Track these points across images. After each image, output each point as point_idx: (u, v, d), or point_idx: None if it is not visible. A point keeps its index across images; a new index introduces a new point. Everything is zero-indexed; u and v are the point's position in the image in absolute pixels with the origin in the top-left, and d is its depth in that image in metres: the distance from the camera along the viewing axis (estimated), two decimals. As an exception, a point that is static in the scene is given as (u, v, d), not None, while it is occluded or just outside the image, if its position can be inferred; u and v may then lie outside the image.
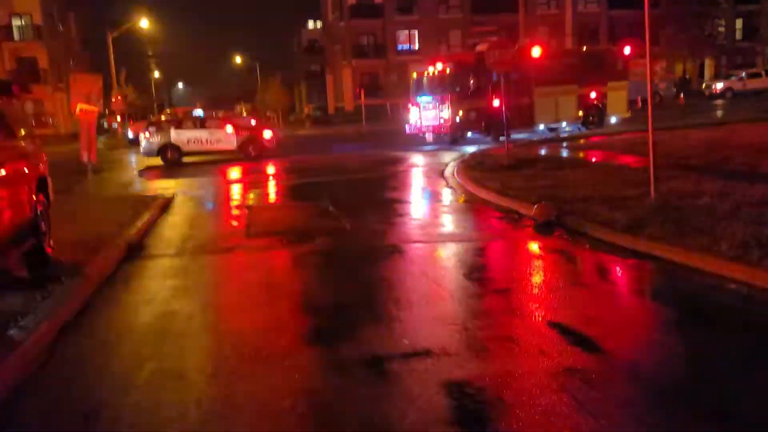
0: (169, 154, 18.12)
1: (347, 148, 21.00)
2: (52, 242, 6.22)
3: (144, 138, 18.72)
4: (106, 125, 49.55)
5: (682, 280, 4.90)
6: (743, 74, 37.66)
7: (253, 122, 22.91)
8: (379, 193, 10.41)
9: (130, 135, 28.92)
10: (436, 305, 4.60)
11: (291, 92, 52.98)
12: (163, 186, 13.12)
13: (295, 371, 3.54)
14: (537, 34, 40.68)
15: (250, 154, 18.35)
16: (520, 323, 4.16)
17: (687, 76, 43.31)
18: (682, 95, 35.87)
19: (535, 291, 5.02)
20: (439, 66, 18.90)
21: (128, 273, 5.96)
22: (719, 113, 25.18)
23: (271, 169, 15.86)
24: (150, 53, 59.76)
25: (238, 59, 63.83)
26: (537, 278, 5.42)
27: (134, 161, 20.87)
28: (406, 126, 20.01)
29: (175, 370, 3.65)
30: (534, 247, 6.41)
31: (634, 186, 7.87)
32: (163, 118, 24.23)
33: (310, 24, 64.94)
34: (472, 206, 8.79)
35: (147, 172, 16.96)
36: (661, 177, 7.47)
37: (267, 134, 19.11)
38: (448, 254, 6.23)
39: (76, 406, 3.30)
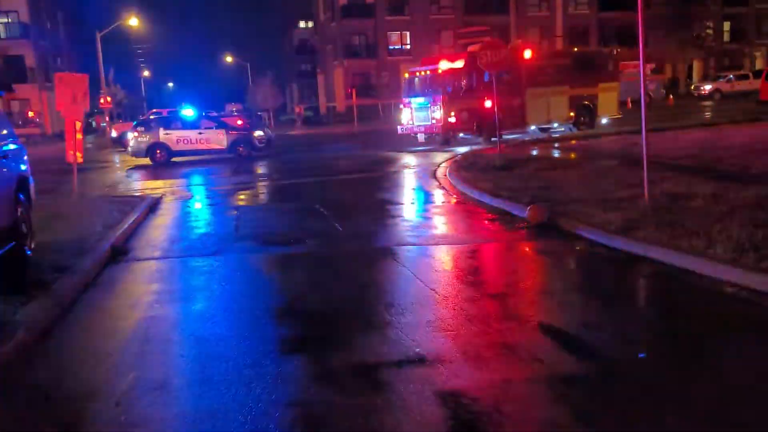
0: (157, 154, 17.89)
1: (338, 148, 20.88)
2: (33, 245, 6.04)
3: (132, 137, 18.47)
4: (94, 125, 49.10)
5: (677, 283, 4.83)
6: (731, 76, 38.00)
7: (239, 122, 22.65)
8: (371, 194, 10.30)
9: (113, 135, 28.49)
10: (430, 310, 4.49)
11: (282, 92, 52.68)
12: (151, 186, 12.92)
13: (281, 381, 3.41)
14: (527, 35, 40.82)
15: (240, 153, 18.17)
16: (515, 329, 4.06)
17: (676, 78, 43.66)
18: (671, 96, 36.14)
19: (530, 295, 4.93)
20: (431, 66, 18.83)
21: (112, 277, 5.80)
22: (708, 114, 25.34)
23: (261, 170, 15.70)
24: (139, 51, 59.27)
25: (228, 59, 63.43)
26: (531, 282, 5.34)
27: (123, 161, 20.60)
28: (398, 126, 19.90)
29: (157, 380, 3.51)
30: (528, 249, 6.32)
31: (627, 187, 7.82)
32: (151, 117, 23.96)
33: (302, 24, 64.69)
34: (464, 207, 8.70)
35: (135, 172, 16.73)
36: (653, 178, 7.42)
37: (258, 134, 18.94)
38: (442, 257, 6.13)
39: (52, 418, 3.16)
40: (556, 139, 18.07)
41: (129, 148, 18.78)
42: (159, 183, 13.60)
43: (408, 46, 44.21)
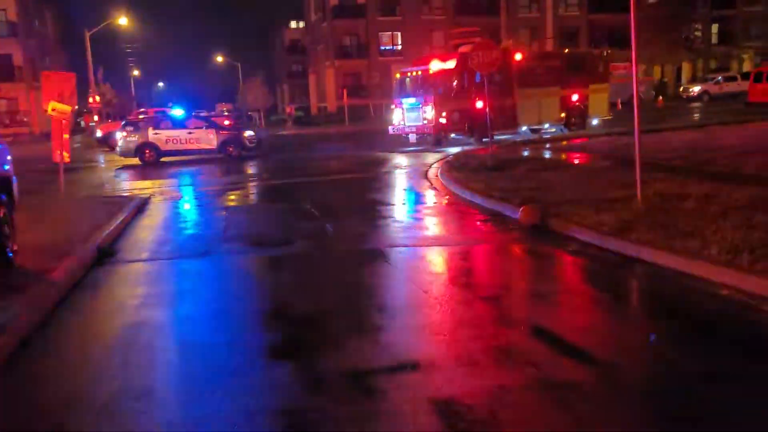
0: (146, 154, 17.68)
1: (329, 148, 20.76)
2: (16, 246, 5.89)
3: (121, 137, 18.24)
4: (82, 124, 48.58)
5: (671, 284, 4.79)
6: (720, 78, 38.30)
7: (226, 122, 22.42)
8: (362, 195, 10.20)
9: (99, 134, 28.06)
10: (422, 313, 4.41)
11: (273, 92, 52.44)
12: (140, 186, 12.75)
13: (270, 388, 3.31)
14: (518, 36, 40.90)
15: (230, 154, 18.01)
16: (509, 332, 3.99)
17: (665, 79, 43.96)
18: (660, 98, 36.36)
19: (523, 297, 4.87)
20: (423, 67, 18.78)
21: (97, 279, 5.67)
22: (697, 116, 25.50)
23: (251, 170, 15.56)
24: (129, 50, 58.78)
25: (219, 59, 63.07)
26: (525, 284, 5.28)
27: (111, 161, 20.35)
28: (390, 127, 19.82)
29: (141, 387, 3.40)
30: (520, 251, 6.26)
31: (620, 188, 7.78)
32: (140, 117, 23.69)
33: (293, 24, 64.44)
34: (456, 208, 8.63)
35: (123, 172, 16.52)
36: (646, 179, 7.39)
37: (248, 134, 18.77)
38: (434, 259, 6.05)
39: (29, 429, 3.04)
40: (548, 140, 18.07)
41: (117, 148, 18.53)
42: (147, 183, 13.43)
43: (399, 47, 44.15)
